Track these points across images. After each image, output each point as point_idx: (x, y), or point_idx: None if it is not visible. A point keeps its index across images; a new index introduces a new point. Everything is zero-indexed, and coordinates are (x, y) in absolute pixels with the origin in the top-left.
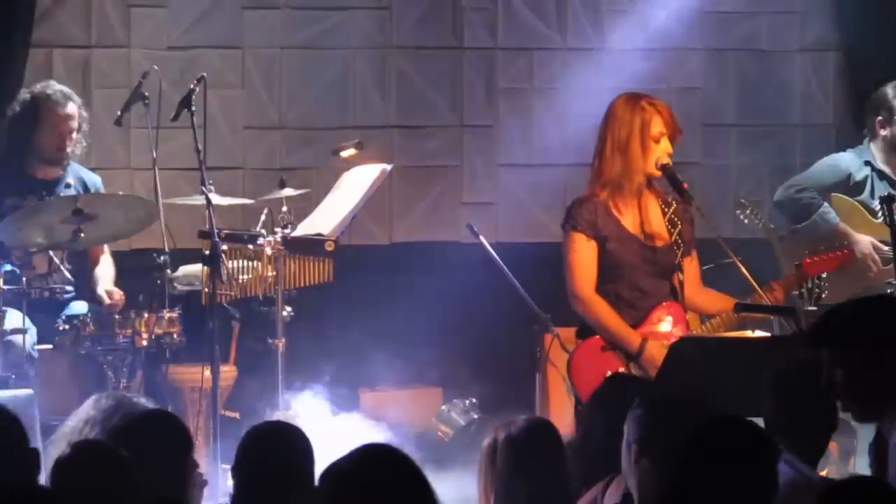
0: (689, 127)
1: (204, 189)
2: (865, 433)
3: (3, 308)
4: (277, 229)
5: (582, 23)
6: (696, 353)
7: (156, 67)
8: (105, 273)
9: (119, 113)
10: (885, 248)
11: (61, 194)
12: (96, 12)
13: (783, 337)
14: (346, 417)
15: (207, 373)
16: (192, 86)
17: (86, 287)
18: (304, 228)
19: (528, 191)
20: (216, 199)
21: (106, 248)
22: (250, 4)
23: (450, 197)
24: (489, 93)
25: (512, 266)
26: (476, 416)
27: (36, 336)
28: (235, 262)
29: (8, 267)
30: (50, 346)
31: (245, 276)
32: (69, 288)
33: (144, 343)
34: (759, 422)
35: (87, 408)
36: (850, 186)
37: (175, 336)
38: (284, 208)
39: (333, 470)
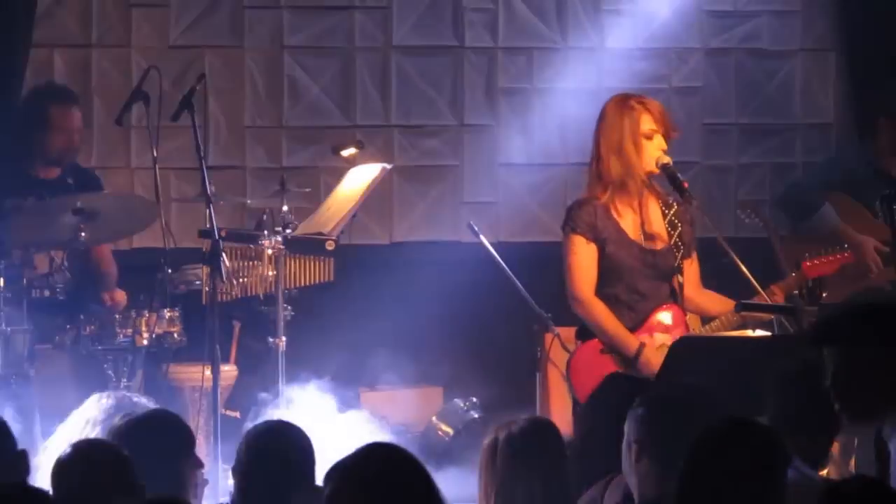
0: (690, 126)
1: (204, 188)
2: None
3: (4, 307)
4: (278, 229)
5: (582, 22)
6: (697, 352)
7: (156, 67)
8: (107, 274)
9: (119, 112)
10: (886, 248)
11: (61, 194)
12: (97, 11)
13: (784, 336)
14: (347, 417)
15: (208, 372)
16: (192, 85)
17: (87, 286)
18: (304, 228)
19: (528, 190)
20: (217, 198)
21: (108, 249)
22: (251, 4)
23: (450, 196)
24: (489, 92)
25: (512, 265)
26: (477, 416)
27: (36, 335)
28: (236, 261)
29: (9, 266)
30: (50, 346)
31: (245, 276)
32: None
33: (145, 342)
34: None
35: (88, 407)
36: (851, 186)
37: (175, 335)
38: (285, 208)
39: (338, 469)
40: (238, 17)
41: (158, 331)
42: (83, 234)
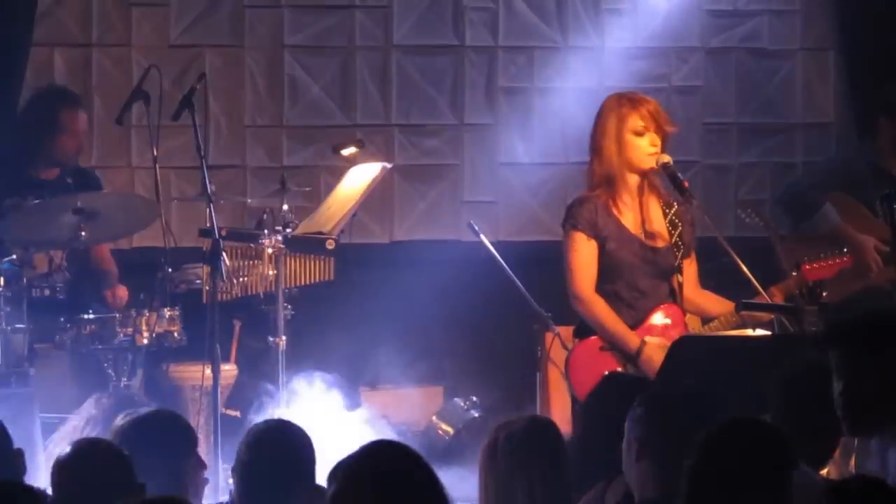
0: (690, 126)
1: (205, 187)
2: None
3: (4, 306)
4: (278, 228)
5: (582, 22)
6: (697, 351)
7: (156, 66)
8: (109, 272)
9: (120, 112)
10: (886, 247)
11: (61, 193)
12: (97, 11)
13: (784, 335)
14: (347, 416)
15: (208, 371)
16: (192, 84)
17: (87, 285)
18: (304, 227)
19: (528, 189)
20: (217, 197)
21: (107, 249)
22: (251, 3)
23: (450, 195)
24: (490, 91)
25: (512, 265)
26: (477, 415)
27: (36, 334)
28: (236, 260)
29: (8, 266)
30: (50, 345)
31: (246, 275)
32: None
33: (145, 341)
34: None
35: (88, 406)
36: (852, 185)
37: (176, 334)
38: (285, 207)
39: (342, 467)
40: (238, 17)
41: (159, 330)
42: (83, 233)
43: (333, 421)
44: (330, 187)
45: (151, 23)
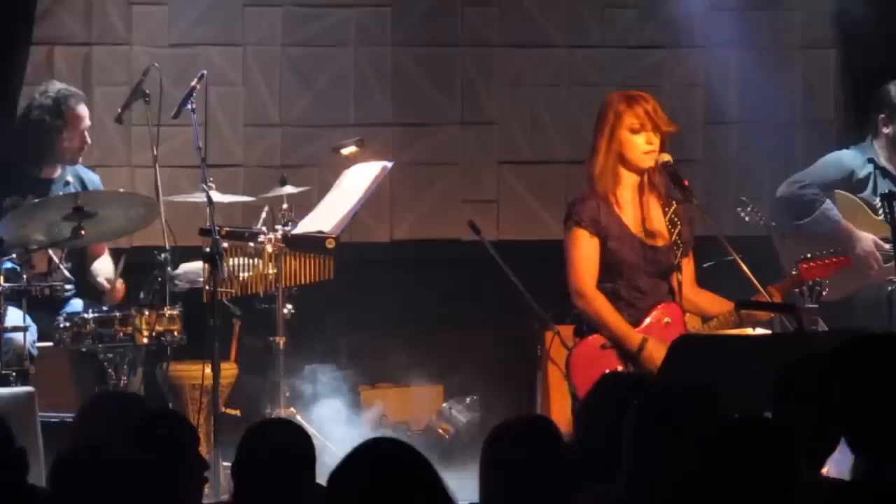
0: (690, 124)
1: (204, 186)
2: None
3: (4, 306)
4: (278, 227)
5: (583, 19)
6: (697, 350)
7: (156, 65)
8: (104, 266)
9: (120, 110)
10: (887, 245)
11: (61, 192)
12: (97, 9)
13: (784, 334)
14: (347, 415)
15: (208, 370)
16: (192, 83)
17: (85, 285)
18: (304, 226)
19: (528, 188)
20: (217, 196)
21: (105, 246)
22: (251, 1)
23: (450, 194)
24: (490, 90)
25: (513, 264)
26: (477, 414)
27: (36, 334)
28: (236, 259)
29: (8, 265)
30: (50, 344)
31: (245, 274)
32: (69, 287)
33: (145, 341)
34: None
35: (88, 406)
36: (853, 183)
37: (176, 333)
38: (285, 206)
39: (341, 466)
40: (238, 15)
41: (159, 329)
42: (83, 232)
43: (333, 420)
44: (330, 186)
45: (151, 21)
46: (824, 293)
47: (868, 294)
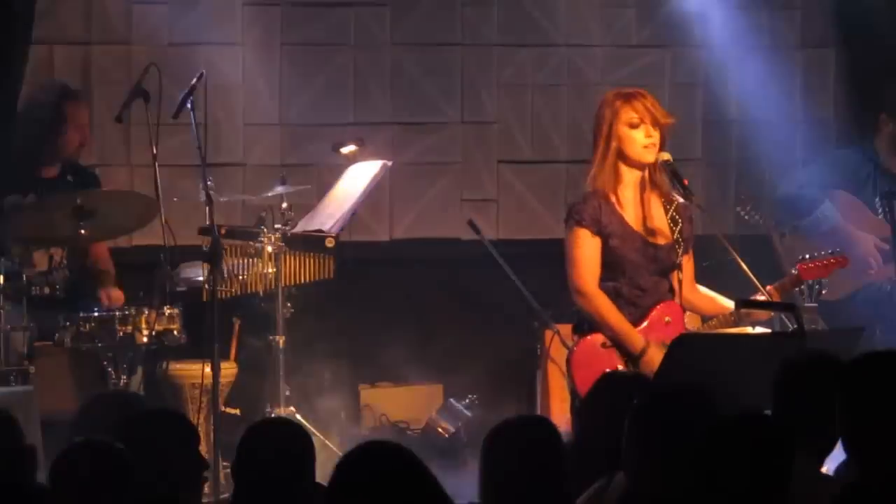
0: (690, 123)
1: (204, 186)
2: None
3: (4, 305)
4: (278, 226)
5: (583, 18)
6: (696, 349)
7: (156, 64)
8: (105, 272)
9: (119, 110)
10: (886, 245)
11: (61, 191)
12: (97, 8)
13: (783, 333)
14: (347, 414)
15: (208, 369)
16: (192, 82)
17: (87, 285)
18: (304, 225)
19: (528, 187)
20: (217, 195)
21: (105, 245)
22: (251, 1)
23: (450, 193)
24: (489, 89)
25: (512, 262)
26: (476, 413)
27: (36, 333)
28: (236, 258)
29: (8, 264)
30: (50, 343)
31: (245, 273)
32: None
33: (145, 340)
34: None
35: (88, 406)
36: (853, 183)
37: (175, 333)
38: (285, 205)
39: (337, 472)
40: (238, 14)
41: (158, 328)
42: (83, 231)
43: (333, 419)
44: (329, 185)
45: (151, 20)
46: (823, 292)
47: (867, 293)
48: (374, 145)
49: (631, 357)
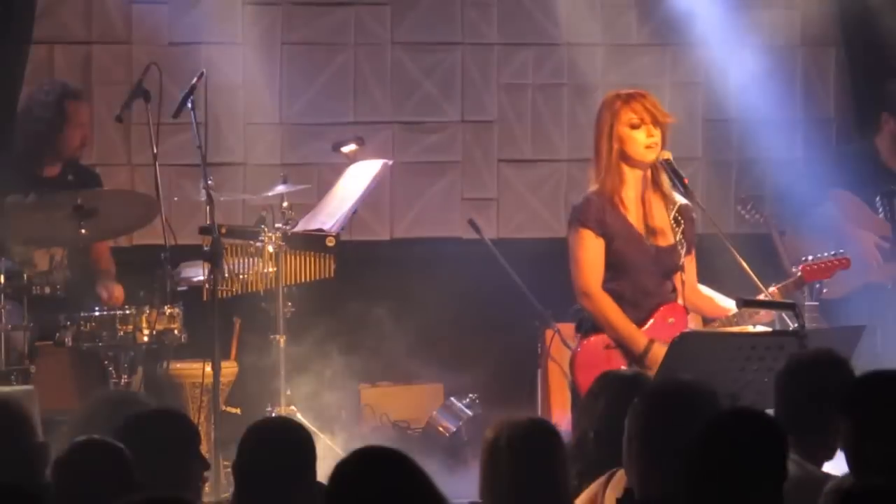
0: (690, 122)
1: (205, 185)
2: None
3: (5, 304)
4: (278, 225)
5: (583, 17)
6: (698, 348)
7: (156, 64)
8: (106, 272)
9: (120, 109)
10: (886, 244)
11: (62, 191)
12: (97, 8)
13: (785, 331)
14: (347, 413)
15: (208, 369)
16: (192, 82)
17: (87, 284)
18: (304, 224)
19: (528, 186)
20: (217, 195)
21: (106, 245)
22: (251, 0)
23: (450, 192)
24: (490, 88)
25: (512, 262)
26: (477, 413)
27: (37, 332)
28: (236, 258)
29: (9, 263)
30: (50, 343)
31: (246, 272)
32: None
33: (145, 339)
34: None
35: (88, 405)
36: (853, 181)
37: (176, 332)
38: (285, 204)
39: (333, 476)
40: (238, 14)
41: (159, 327)
42: (83, 231)
43: (333, 418)
44: (330, 184)
45: (152, 20)
46: (824, 291)
47: (868, 292)
48: (374, 144)
49: (635, 358)
